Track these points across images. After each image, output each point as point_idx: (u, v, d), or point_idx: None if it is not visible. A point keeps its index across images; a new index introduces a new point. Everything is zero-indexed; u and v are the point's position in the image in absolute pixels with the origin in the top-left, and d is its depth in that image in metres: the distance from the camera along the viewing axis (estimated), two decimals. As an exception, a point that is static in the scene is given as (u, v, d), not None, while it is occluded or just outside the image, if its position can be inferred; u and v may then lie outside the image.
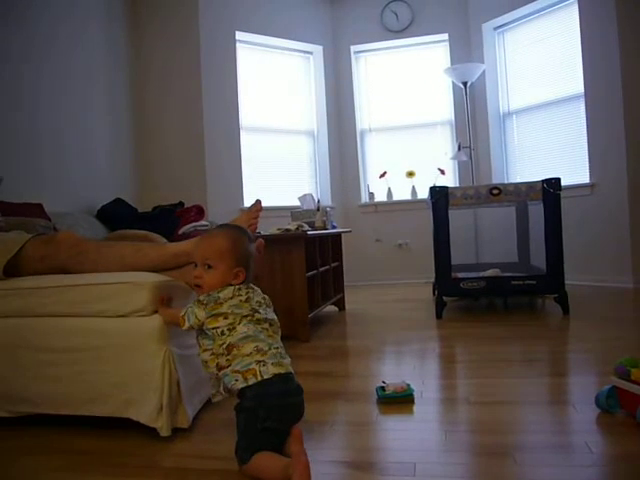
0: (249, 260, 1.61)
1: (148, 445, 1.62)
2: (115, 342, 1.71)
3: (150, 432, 1.66)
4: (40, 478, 1.46)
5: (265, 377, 1.44)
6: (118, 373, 1.69)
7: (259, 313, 1.56)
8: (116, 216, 4.10)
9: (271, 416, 1.42)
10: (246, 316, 1.53)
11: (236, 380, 1.46)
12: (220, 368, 1.50)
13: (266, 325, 1.56)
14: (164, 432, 1.63)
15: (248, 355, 1.47)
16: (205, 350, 1.55)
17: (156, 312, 1.71)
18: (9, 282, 1.85)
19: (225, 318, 1.51)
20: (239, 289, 1.56)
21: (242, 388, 1.45)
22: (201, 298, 1.55)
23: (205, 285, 1.57)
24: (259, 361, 1.46)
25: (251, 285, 1.62)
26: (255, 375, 1.44)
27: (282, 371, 1.47)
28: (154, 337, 1.67)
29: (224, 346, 1.49)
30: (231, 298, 1.54)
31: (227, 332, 1.50)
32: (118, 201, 4.40)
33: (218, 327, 1.51)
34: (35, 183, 3.77)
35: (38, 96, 3.88)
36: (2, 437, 1.77)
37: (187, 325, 1.56)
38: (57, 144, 4.04)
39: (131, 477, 1.42)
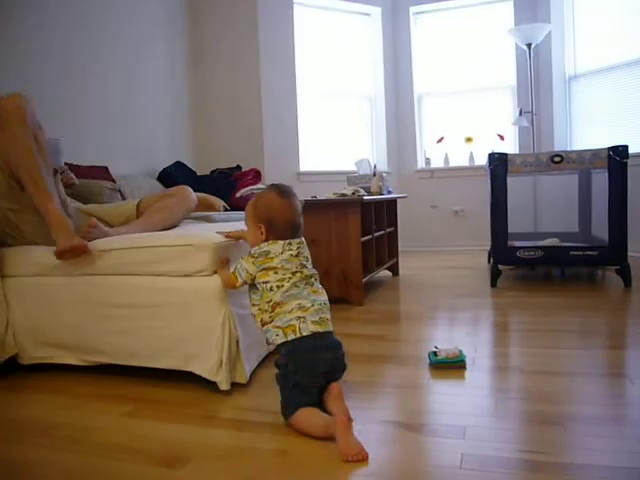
0: (271, 217, 1.61)
1: (208, 397, 1.72)
2: (180, 300, 1.80)
3: (210, 386, 1.76)
4: (110, 422, 1.57)
5: (304, 334, 1.50)
6: (182, 329, 1.79)
7: (307, 268, 1.62)
8: (176, 179, 4.22)
9: (300, 371, 1.48)
10: (295, 272, 1.58)
11: (277, 335, 1.53)
12: (263, 324, 1.58)
13: (312, 280, 1.62)
14: (224, 386, 1.72)
15: (289, 312, 1.53)
16: (253, 305, 1.63)
17: (216, 272, 1.78)
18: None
19: (275, 273, 1.57)
20: (289, 243, 1.61)
21: (278, 345, 1.53)
22: (252, 251, 1.63)
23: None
24: (299, 317, 1.52)
25: (303, 240, 1.67)
26: (294, 331, 1.50)
27: (320, 330, 1.52)
28: (215, 296, 1.76)
29: (270, 303, 1.56)
30: (281, 253, 1.59)
31: (275, 289, 1.56)
32: (178, 164, 4.53)
33: (268, 282, 1.57)
34: (101, 147, 3.93)
35: (106, 66, 4.00)
36: (77, 383, 1.92)
37: (240, 281, 1.64)
38: (121, 110, 4.17)
39: (193, 425, 1.52)
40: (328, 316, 1.59)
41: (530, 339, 2.27)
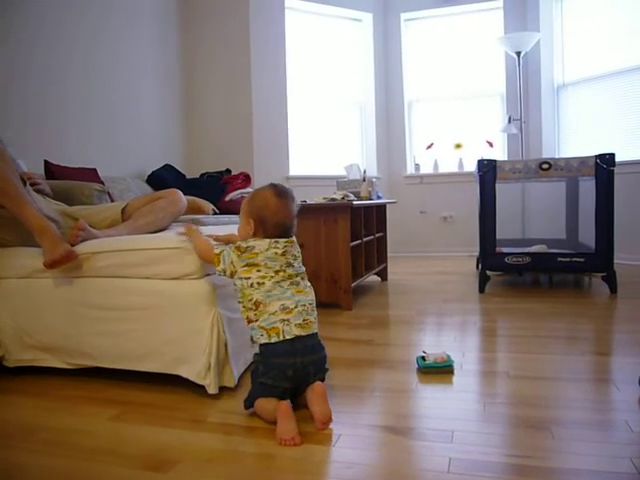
0: (263, 215, 1.62)
1: (196, 401, 1.71)
2: (167, 303, 1.79)
3: (197, 389, 1.75)
4: (95, 426, 1.56)
5: (287, 337, 1.52)
6: (170, 332, 1.78)
7: (292, 267, 1.62)
8: (165, 181, 4.21)
9: (268, 373, 1.53)
10: (277, 271, 1.58)
11: (261, 335, 1.55)
12: (249, 321, 1.59)
13: (297, 279, 1.63)
14: (212, 390, 1.71)
15: (273, 313, 1.54)
16: (239, 302, 1.63)
17: (208, 275, 1.78)
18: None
19: (258, 270, 1.58)
20: (276, 242, 1.61)
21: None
22: (239, 244, 1.62)
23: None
24: (283, 320, 1.53)
25: (292, 239, 1.67)
26: (278, 334, 1.53)
27: (304, 333, 1.54)
28: (204, 299, 1.75)
29: (252, 301, 1.57)
30: (266, 250, 1.59)
31: (256, 285, 1.57)
32: (167, 167, 4.51)
33: (249, 278, 1.58)
34: (90, 149, 3.90)
35: (97, 68, 3.97)
36: (63, 387, 1.90)
37: (221, 266, 1.62)
38: (111, 113, 4.16)
39: (180, 429, 1.51)
40: (312, 318, 1.60)
41: (517, 344, 2.29)
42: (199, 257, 1.74)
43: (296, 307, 1.56)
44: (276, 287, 1.57)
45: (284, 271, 1.60)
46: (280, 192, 1.66)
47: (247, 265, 1.59)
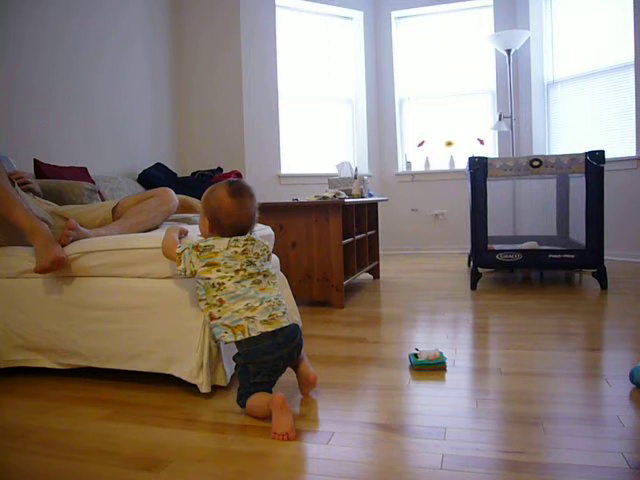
0: (217, 215, 1.60)
1: (188, 400, 1.71)
2: (159, 302, 1.78)
3: (190, 389, 1.74)
4: (88, 426, 1.55)
5: (253, 335, 1.52)
6: (161, 331, 1.78)
7: (253, 266, 1.60)
8: (156, 180, 4.19)
9: (261, 372, 1.53)
10: (237, 271, 1.57)
11: (225, 333, 1.55)
12: (212, 318, 1.58)
13: (259, 277, 1.61)
14: (204, 389, 1.71)
15: (237, 311, 1.54)
16: (200, 300, 1.62)
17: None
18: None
19: (218, 270, 1.56)
20: (236, 240, 1.60)
21: (236, 342, 1.55)
22: (198, 243, 1.60)
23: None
24: (248, 317, 1.53)
25: (253, 237, 1.65)
26: (243, 332, 1.52)
27: (270, 329, 1.53)
28: (196, 298, 1.73)
29: (216, 298, 1.56)
30: (226, 249, 1.58)
31: (217, 285, 1.56)
32: (158, 166, 4.49)
33: (210, 279, 1.56)
34: (81, 148, 3.88)
35: (89, 67, 3.95)
36: (54, 387, 1.89)
37: (182, 265, 1.60)
38: (102, 111, 4.13)
39: (173, 429, 1.50)
40: (280, 312, 1.58)
41: (509, 341, 2.30)
42: (163, 253, 1.71)
43: (261, 304, 1.55)
44: (238, 287, 1.56)
45: (244, 270, 1.58)
46: (235, 192, 1.61)
47: (207, 265, 1.57)
